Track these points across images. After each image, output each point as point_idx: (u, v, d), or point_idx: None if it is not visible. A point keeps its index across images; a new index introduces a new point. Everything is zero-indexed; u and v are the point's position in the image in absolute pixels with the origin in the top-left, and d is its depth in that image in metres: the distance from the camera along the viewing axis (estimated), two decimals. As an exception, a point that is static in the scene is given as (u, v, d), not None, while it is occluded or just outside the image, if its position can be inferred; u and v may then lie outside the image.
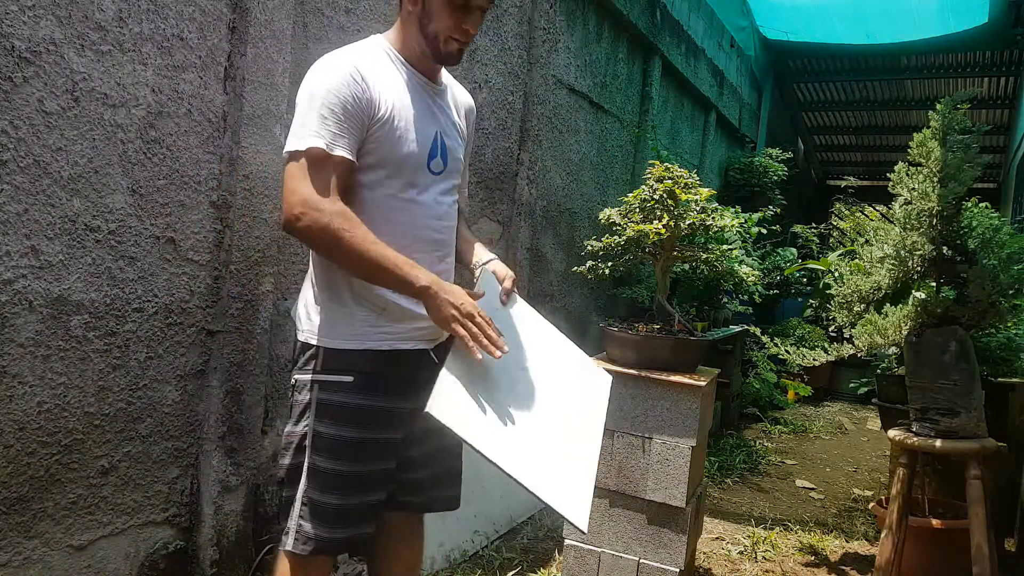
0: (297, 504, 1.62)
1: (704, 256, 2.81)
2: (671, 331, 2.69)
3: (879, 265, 2.87)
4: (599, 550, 2.64)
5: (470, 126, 1.89)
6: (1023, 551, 3.09)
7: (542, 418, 1.63)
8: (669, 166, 2.72)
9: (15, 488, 1.78)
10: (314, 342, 1.63)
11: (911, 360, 2.65)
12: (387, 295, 1.60)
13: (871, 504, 3.50)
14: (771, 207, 6.90)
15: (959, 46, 8.33)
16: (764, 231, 6.33)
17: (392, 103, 1.60)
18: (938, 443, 2.53)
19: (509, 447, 1.50)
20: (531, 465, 1.51)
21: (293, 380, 1.66)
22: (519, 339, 1.75)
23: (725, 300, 5.44)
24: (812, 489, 4.40)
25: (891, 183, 2.86)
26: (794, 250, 7.37)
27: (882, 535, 2.69)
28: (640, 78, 5.46)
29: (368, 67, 1.59)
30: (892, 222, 2.95)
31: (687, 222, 2.68)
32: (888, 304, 2.82)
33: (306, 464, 1.61)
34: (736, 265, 3.32)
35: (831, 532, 3.59)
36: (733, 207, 5.68)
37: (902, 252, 2.78)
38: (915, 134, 2.81)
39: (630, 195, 2.79)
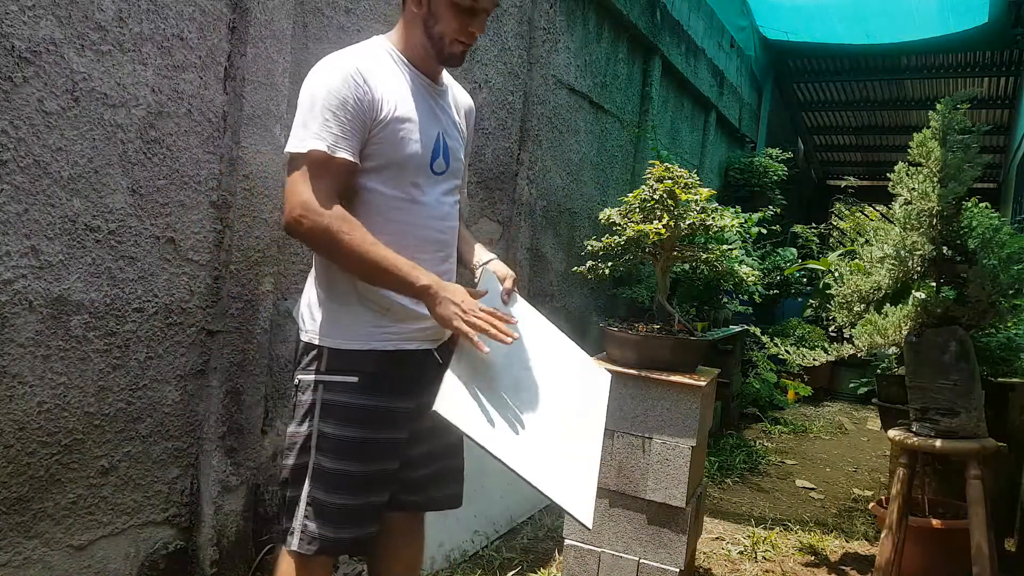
0: (302, 504, 1.62)
1: (704, 256, 2.81)
2: (671, 331, 2.69)
3: (879, 265, 2.87)
4: (599, 550, 2.65)
5: (470, 126, 1.89)
6: (1023, 551, 3.09)
7: (545, 417, 1.64)
8: (669, 166, 2.72)
9: (15, 488, 1.78)
10: (318, 342, 1.63)
11: (911, 360, 2.65)
12: (391, 295, 1.61)
13: (871, 504, 3.50)
14: (771, 207, 6.90)
15: (959, 46, 8.33)
16: (764, 231, 6.33)
17: (394, 104, 1.60)
18: (938, 443, 2.53)
19: (515, 445, 1.50)
20: (536, 463, 1.52)
21: (296, 380, 1.66)
22: (522, 338, 1.75)
23: (725, 300, 5.44)
24: (812, 489, 4.40)
25: (891, 183, 2.86)
26: (794, 250, 7.37)
27: (882, 535, 2.69)
28: (640, 78, 5.46)
29: (370, 68, 1.59)
30: (892, 222, 2.95)
31: (687, 222, 2.68)
32: (888, 304, 2.82)
33: (311, 464, 1.62)
34: (736, 265, 3.32)
35: (831, 532, 3.59)
36: (733, 207, 5.68)
37: (902, 252, 2.78)
38: (915, 134, 2.81)
39: (630, 195, 2.79)
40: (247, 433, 2.33)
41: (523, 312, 1.82)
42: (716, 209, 2.97)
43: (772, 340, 3.30)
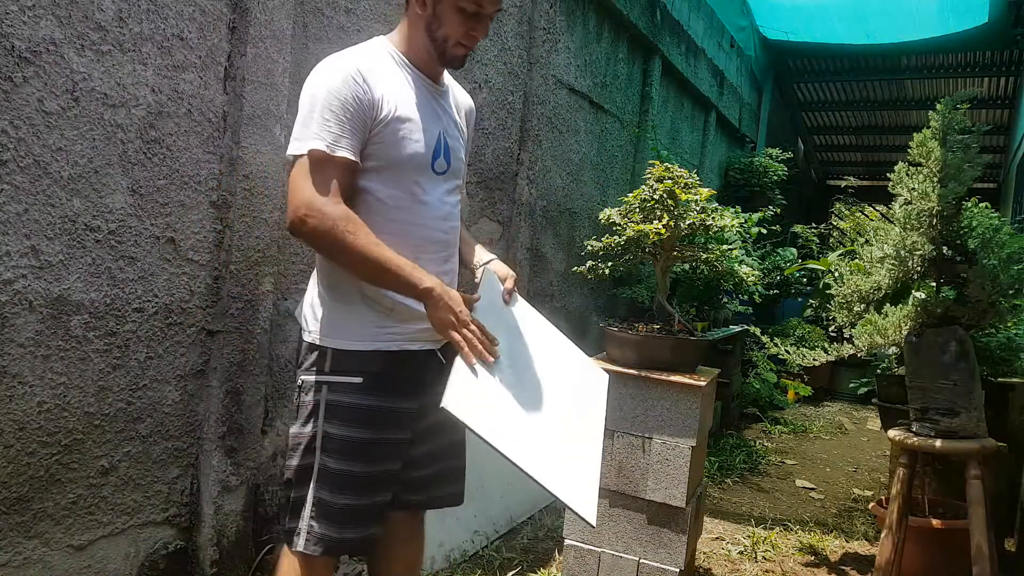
0: (308, 505, 1.62)
1: (704, 256, 2.81)
2: (671, 331, 2.69)
3: (879, 265, 2.87)
4: (599, 550, 2.64)
5: (470, 127, 1.89)
6: (1023, 551, 3.09)
7: (547, 416, 1.64)
8: (669, 166, 2.72)
9: (15, 488, 1.78)
10: (321, 343, 1.63)
11: (911, 360, 2.65)
12: (395, 296, 1.61)
13: (871, 504, 3.50)
14: (771, 207, 6.90)
15: (959, 46, 8.33)
16: (764, 231, 6.33)
17: (395, 104, 1.60)
18: (938, 443, 2.53)
19: (520, 442, 1.51)
20: (541, 461, 1.52)
21: (300, 381, 1.66)
22: (523, 338, 1.76)
23: (725, 300, 5.44)
24: (812, 489, 4.40)
25: (891, 183, 2.86)
26: (794, 250, 7.37)
27: (882, 535, 2.69)
28: (640, 78, 5.46)
29: (371, 68, 1.59)
30: (892, 222, 2.95)
31: (687, 222, 2.68)
32: (888, 304, 2.82)
33: (316, 465, 1.62)
34: (736, 265, 3.32)
35: (831, 532, 3.59)
36: (733, 207, 5.68)
37: (902, 252, 2.78)
38: (915, 134, 2.81)
39: (630, 195, 2.79)
40: (247, 433, 2.33)
41: (523, 312, 1.83)
42: (716, 209, 2.97)
43: (772, 340, 3.30)
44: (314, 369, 1.63)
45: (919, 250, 2.74)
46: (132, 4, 1.92)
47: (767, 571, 3.08)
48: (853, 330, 2.91)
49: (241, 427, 2.31)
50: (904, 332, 2.69)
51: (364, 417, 1.61)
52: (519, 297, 1.84)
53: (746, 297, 5.55)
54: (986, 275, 2.62)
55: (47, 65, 1.74)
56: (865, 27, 8.21)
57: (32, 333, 1.78)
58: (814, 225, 9.10)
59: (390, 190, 1.62)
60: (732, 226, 2.85)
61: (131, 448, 2.05)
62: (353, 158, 1.55)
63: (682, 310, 4.63)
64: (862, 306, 2.92)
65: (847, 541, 3.50)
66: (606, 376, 1.98)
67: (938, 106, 2.77)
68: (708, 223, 2.69)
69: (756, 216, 6.06)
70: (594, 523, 1.56)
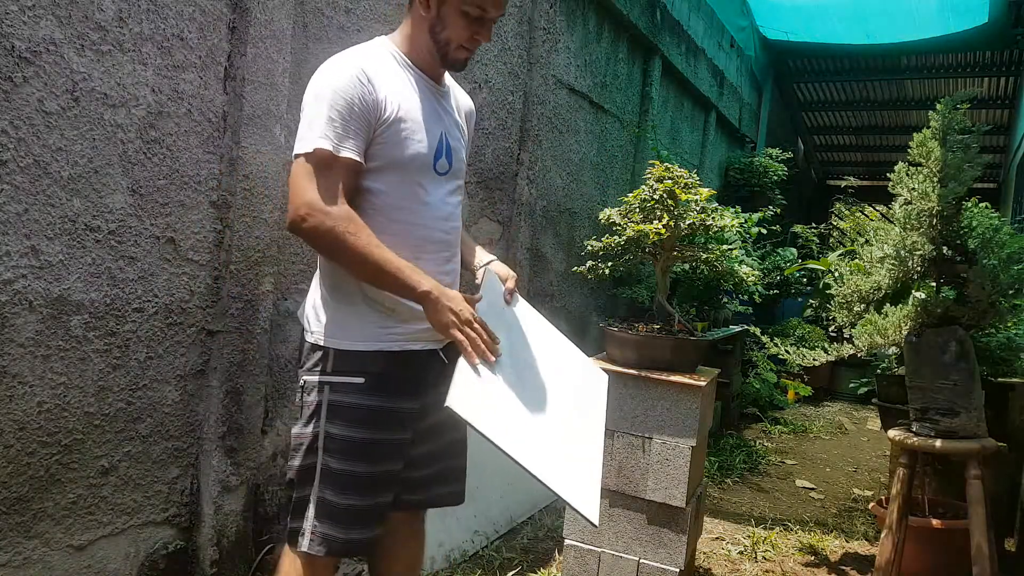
0: (311, 505, 1.62)
1: (704, 256, 2.81)
2: (671, 331, 2.69)
3: (879, 265, 2.87)
4: (599, 550, 2.64)
5: (470, 128, 1.90)
6: (1023, 551, 3.09)
7: (549, 416, 1.65)
8: (669, 166, 2.72)
9: (15, 488, 1.78)
10: (323, 343, 1.63)
11: (911, 360, 2.65)
12: (396, 296, 1.61)
13: (871, 504, 3.50)
14: (771, 207, 6.90)
15: (959, 46, 8.32)
16: (764, 231, 6.33)
17: (398, 104, 1.60)
18: (938, 443, 2.53)
19: (524, 442, 1.51)
20: (544, 460, 1.52)
21: (302, 381, 1.66)
22: (525, 338, 1.77)
23: (725, 300, 5.44)
24: (812, 489, 4.40)
25: (891, 183, 2.86)
26: (794, 250, 7.37)
27: (882, 535, 2.69)
28: (640, 78, 5.46)
29: (374, 69, 1.59)
30: (892, 222, 2.95)
31: (687, 222, 2.68)
32: (888, 304, 2.82)
33: (319, 465, 1.62)
34: (736, 265, 3.33)
35: (831, 532, 3.59)
36: (733, 207, 5.67)
37: (902, 252, 2.78)
38: (915, 134, 2.81)
39: (630, 195, 2.79)
40: (247, 433, 2.33)
41: (524, 313, 1.83)
42: (716, 209, 2.97)
43: (772, 340, 3.30)
44: (316, 369, 1.63)
45: (919, 250, 2.74)
46: (132, 4, 1.92)
47: (767, 571, 3.08)
48: (853, 330, 2.91)
49: (241, 427, 2.31)
50: (904, 332, 2.69)
51: (366, 417, 1.61)
52: (519, 298, 1.84)
53: (746, 297, 5.55)
54: (986, 275, 2.62)
55: (47, 65, 1.74)
56: (865, 27, 8.20)
57: (32, 333, 1.78)
58: (814, 225, 9.10)
59: (392, 190, 1.62)
60: (732, 226, 2.85)
61: (131, 448, 2.05)
62: (358, 159, 1.55)
63: (682, 310, 4.63)
64: (862, 306, 2.92)
65: (847, 541, 3.50)
66: (606, 377, 1.98)
67: (938, 106, 2.77)
68: (708, 223, 2.69)
69: (756, 216, 6.06)
70: (597, 523, 1.56)
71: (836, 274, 3.26)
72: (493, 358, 1.57)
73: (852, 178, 11.43)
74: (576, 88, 4.47)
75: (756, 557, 3.19)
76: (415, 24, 1.67)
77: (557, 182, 4.37)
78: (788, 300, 7.51)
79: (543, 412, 1.64)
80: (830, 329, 6.86)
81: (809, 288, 7.17)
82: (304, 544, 1.61)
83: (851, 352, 2.91)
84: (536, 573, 2.82)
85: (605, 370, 2.61)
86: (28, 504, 1.82)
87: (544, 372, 1.73)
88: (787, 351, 3.12)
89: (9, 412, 1.75)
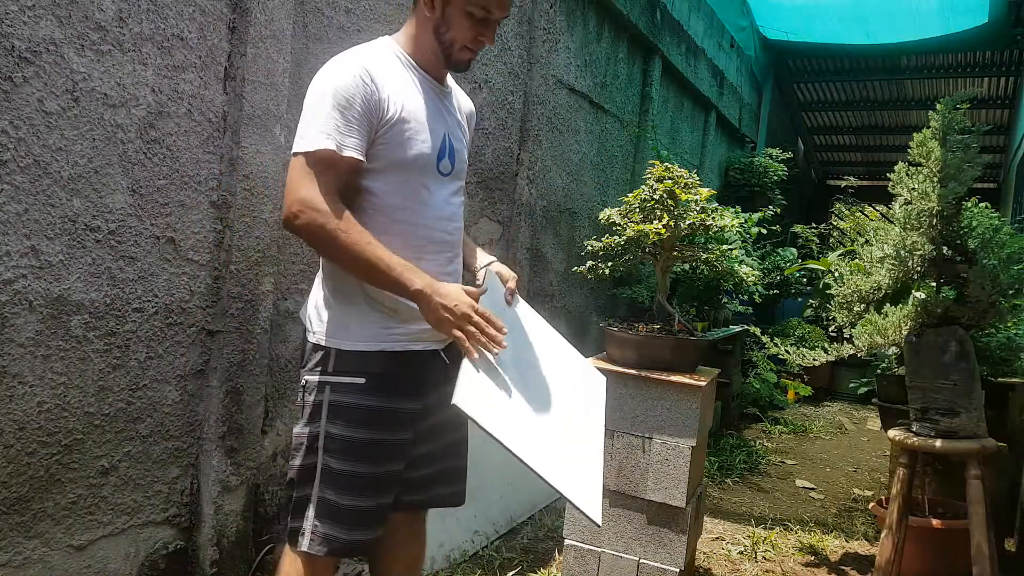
0: (311, 505, 1.62)
1: (704, 256, 2.81)
2: (671, 331, 2.69)
3: (879, 265, 2.87)
4: (599, 550, 2.65)
5: (471, 130, 1.90)
6: (1023, 551, 3.09)
7: (551, 416, 1.65)
8: (669, 166, 2.72)
9: (15, 488, 1.78)
10: (325, 343, 1.63)
11: (911, 360, 2.65)
12: (397, 296, 1.61)
13: (871, 504, 3.50)
14: (771, 207, 6.90)
15: (959, 46, 8.32)
16: (764, 231, 6.33)
17: (401, 104, 1.60)
18: (938, 443, 2.53)
19: (529, 441, 1.51)
20: (549, 460, 1.52)
21: (303, 381, 1.66)
22: (527, 338, 1.77)
23: (725, 300, 5.44)
24: (812, 489, 4.40)
25: (891, 183, 2.86)
26: (794, 250, 7.37)
27: (882, 535, 2.69)
28: (640, 78, 5.46)
29: (377, 68, 1.59)
30: (892, 222, 2.95)
31: (687, 222, 2.68)
32: (888, 304, 2.82)
33: (319, 465, 1.62)
34: (736, 265, 3.33)
35: (831, 532, 3.59)
36: (733, 207, 5.68)
37: (902, 252, 2.78)
38: (915, 134, 2.81)
39: (630, 195, 2.79)
40: (247, 433, 2.33)
41: (525, 314, 1.84)
42: (716, 209, 2.97)
43: (772, 340, 3.30)
44: (318, 369, 1.64)
45: (919, 250, 2.74)
46: (132, 4, 1.92)
47: (767, 571, 3.08)
48: (853, 330, 2.91)
49: (241, 427, 2.31)
50: (904, 332, 2.69)
51: (367, 418, 1.61)
52: (520, 299, 1.85)
53: (746, 297, 5.55)
54: (986, 275, 2.62)
55: (47, 65, 1.74)
56: (865, 27, 8.20)
57: (32, 333, 1.78)
58: (814, 225, 9.10)
59: (395, 191, 1.62)
60: (732, 226, 2.85)
61: (131, 448, 2.05)
62: (359, 157, 1.55)
63: (682, 310, 4.63)
64: (862, 306, 2.92)
65: (847, 541, 3.50)
66: (604, 379, 1.99)
67: (938, 106, 2.77)
68: (708, 223, 2.69)
69: (756, 216, 6.06)
70: (600, 523, 1.57)
71: (836, 274, 3.26)
72: (497, 349, 1.55)
73: (852, 178, 11.43)
74: (576, 88, 4.47)
75: (756, 557, 3.19)
76: (419, 24, 1.67)
77: (557, 182, 4.37)
78: (788, 300, 7.51)
79: (545, 412, 1.64)
80: (830, 329, 6.86)
81: (809, 288, 7.17)
82: (304, 544, 1.61)
83: (851, 352, 2.91)
84: (536, 573, 2.82)
85: (605, 370, 2.61)
86: (28, 504, 1.82)
87: (546, 372, 1.74)
88: (787, 351, 3.12)
89: (9, 412, 1.75)
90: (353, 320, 1.63)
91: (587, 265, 2.88)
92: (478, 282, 1.82)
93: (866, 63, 9.48)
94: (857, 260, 3.18)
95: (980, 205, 3.15)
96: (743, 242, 5.69)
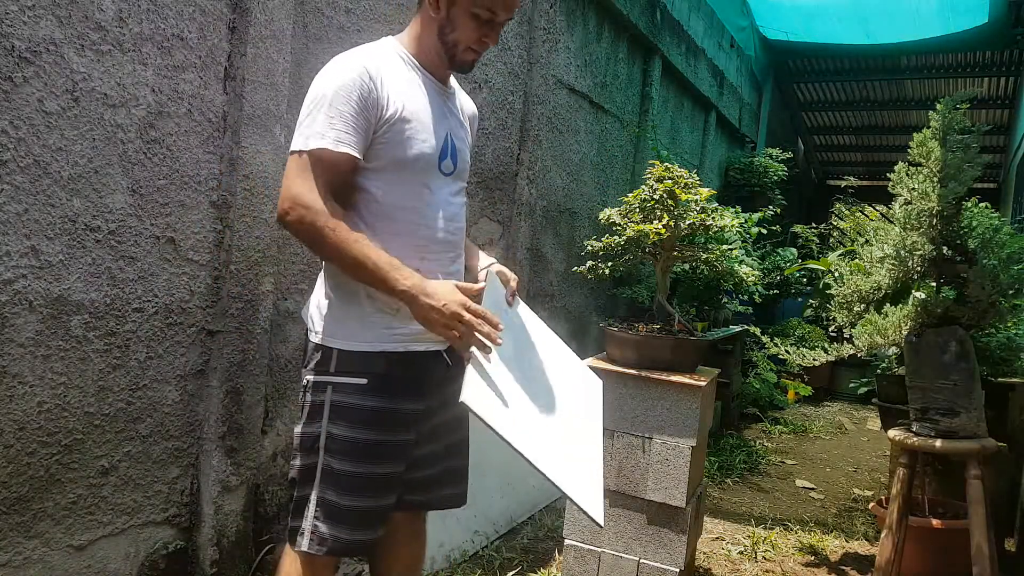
0: (312, 505, 1.62)
1: (704, 256, 2.81)
2: (671, 331, 2.69)
3: (879, 265, 2.87)
4: (599, 550, 2.64)
5: (473, 132, 1.91)
6: (1023, 551, 3.09)
7: (554, 416, 1.65)
8: (669, 166, 2.72)
9: (15, 488, 1.78)
10: (327, 344, 1.63)
11: (911, 360, 2.65)
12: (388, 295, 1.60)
13: (871, 504, 3.50)
14: (771, 207, 6.90)
15: (959, 46, 8.32)
16: (764, 231, 6.33)
17: (403, 104, 1.60)
18: (938, 443, 2.53)
19: (535, 441, 1.51)
20: (554, 460, 1.52)
21: (305, 381, 1.66)
22: (529, 338, 1.78)
23: (725, 300, 5.44)
24: (812, 489, 4.40)
25: (891, 183, 2.87)
26: (794, 250, 7.37)
27: (882, 535, 2.69)
28: (640, 78, 5.46)
29: (379, 68, 1.59)
30: (892, 222, 2.95)
31: (687, 222, 2.68)
32: (888, 304, 2.82)
33: (320, 465, 1.62)
34: (736, 265, 3.33)
35: (831, 532, 3.59)
36: (733, 207, 5.68)
37: (902, 252, 2.78)
38: (915, 134, 2.82)
39: (630, 195, 2.79)
40: (247, 433, 2.33)
41: (525, 315, 1.85)
42: (716, 209, 2.97)
43: (772, 340, 3.30)
44: (319, 369, 1.63)
45: (919, 250, 2.74)
46: (132, 4, 1.92)
47: (767, 571, 3.08)
48: (853, 330, 2.91)
49: (241, 427, 2.31)
50: (904, 332, 2.69)
51: (368, 418, 1.61)
52: (520, 301, 1.85)
53: (746, 297, 5.55)
54: (986, 275, 2.62)
55: (47, 65, 1.74)
56: (865, 27, 8.20)
57: (32, 333, 1.78)
58: (814, 225, 9.10)
59: (396, 190, 1.62)
60: (732, 226, 2.85)
61: (131, 448, 2.05)
62: (356, 155, 1.55)
63: (682, 310, 4.63)
64: (862, 306, 2.92)
65: (847, 541, 3.50)
66: (600, 382, 1.99)
67: (938, 106, 2.77)
68: (708, 223, 2.69)
69: (756, 216, 6.06)
70: (603, 524, 1.57)
71: (836, 274, 3.26)
72: (492, 346, 1.54)
73: (852, 178, 11.43)
74: (576, 88, 4.47)
75: (756, 557, 3.19)
76: (424, 25, 1.67)
77: (557, 182, 4.37)
78: (788, 300, 7.52)
79: (547, 412, 1.65)
80: (830, 329, 6.86)
81: (809, 288, 7.17)
82: (304, 544, 1.61)
83: (851, 352, 2.91)
84: (536, 573, 2.82)
85: (605, 370, 2.62)
86: (28, 504, 1.82)
87: (547, 373, 1.75)
88: (787, 351, 3.12)
89: (9, 412, 1.75)
90: (355, 320, 1.63)
91: (587, 265, 2.88)
92: (480, 284, 1.82)
93: (866, 63, 9.48)
94: (857, 260, 3.18)
95: (980, 205, 3.15)
96: (743, 242, 5.69)
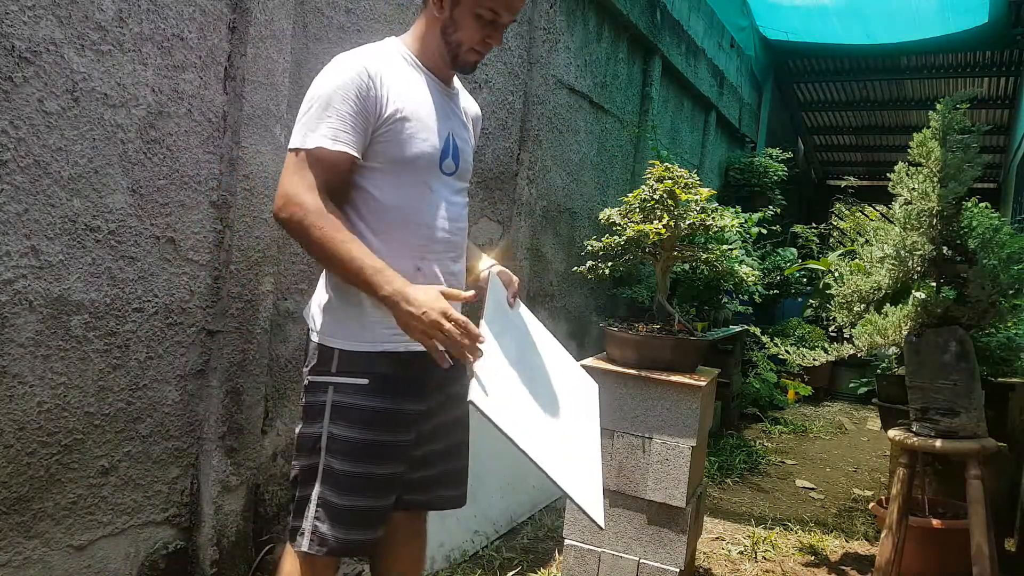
0: (312, 505, 1.62)
1: (704, 256, 2.81)
2: (671, 331, 2.69)
3: (879, 265, 2.87)
4: (599, 550, 2.64)
5: (476, 134, 1.91)
6: (1023, 551, 3.09)
7: (555, 417, 1.66)
8: (669, 166, 2.72)
9: (15, 488, 1.78)
10: (329, 344, 1.63)
11: (911, 360, 2.65)
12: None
13: (871, 504, 3.50)
14: (771, 207, 6.90)
15: (959, 46, 8.32)
16: (764, 231, 6.33)
17: (403, 103, 1.60)
18: (938, 443, 2.53)
19: (540, 442, 1.51)
20: (558, 461, 1.53)
21: (306, 381, 1.66)
22: (530, 339, 1.78)
23: (725, 300, 5.44)
24: (812, 489, 4.40)
25: (891, 183, 2.87)
26: (794, 250, 7.37)
27: (882, 535, 2.69)
28: (640, 78, 5.46)
29: (380, 67, 1.59)
30: (892, 222, 2.95)
31: (687, 222, 2.68)
32: (888, 304, 2.82)
33: (321, 466, 1.62)
34: (736, 265, 3.33)
35: (831, 532, 3.59)
36: (733, 207, 5.68)
37: (902, 252, 2.78)
38: (915, 134, 2.82)
39: (630, 195, 2.79)
40: (247, 433, 2.33)
41: (525, 316, 1.85)
42: (716, 209, 2.97)
43: (772, 340, 3.30)
44: (321, 370, 1.63)
45: (919, 250, 2.74)
46: (132, 4, 1.92)
47: (767, 571, 3.08)
48: (853, 330, 2.91)
49: (241, 427, 2.31)
50: (904, 332, 2.69)
51: (369, 419, 1.61)
52: (520, 303, 1.86)
53: (746, 297, 5.55)
54: (986, 275, 2.62)
55: (47, 65, 1.74)
56: (865, 27, 8.20)
57: (32, 333, 1.78)
58: (814, 225, 9.10)
59: (397, 189, 1.62)
60: (732, 226, 2.85)
61: (131, 448, 2.05)
62: (352, 154, 1.55)
63: (682, 310, 4.63)
64: (862, 306, 2.92)
65: (847, 541, 3.50)
66: (596, 386, 2.00)
67: (938, 106, 2.77)
68: (708, 223, 2.69)
69: (756, 216, 6.06)
70: (603, 526, 1.57)
71: (836, 274, 3.26)
72: (471, 357, 1.50)
73: (852, 178, 11.43)
74: (576, 88, 4.47)
75: (756, 557, 3.19)
76: (428, 24, 1.67)
77: (557, 182, 4.37)
78: (788, 300, 7.52)
79: (549, 413, 1.65)
80: (830, 329, 6.87)
81: (809, 288, 7.17)
82: (304, 544, 1.62)
83: (851, 352, 2.91)
84: (536, 573, 2.82)
85: (605, 370, 2.62)
86: (28, 504, 1.82)
87: (548, 375, 1.75)
88: (787, 351, 3.13)
89: (9, 412, 1.75)
90: (356, 320, 1.63)
91: (587, 265, 2.88)
92: (482, 285, 1.82)
93: (866, 63, 9.48)
94: (857, 260, 3.18)
95: (980, 205, 3.15)
96: (743, 242, 5.69)
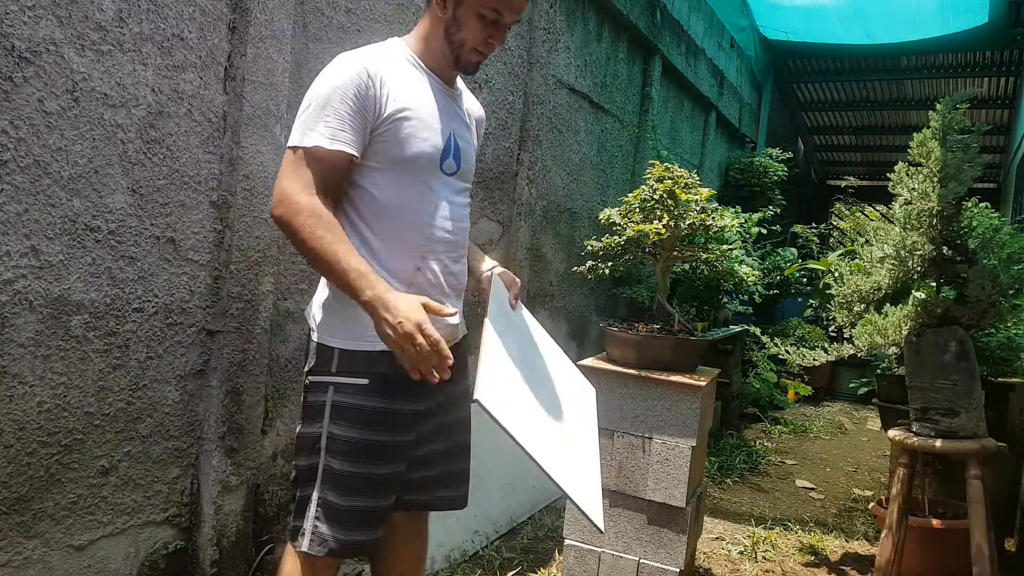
0: (312, 505, 1.62)
1: (704, 256, 2.81)
2: (671, 331, 2.69)
3: (879, 265, 2.87)
4: (599, 550, 2.64)
5: (479, 136, 1.91)
6: (1023, 551, 3.09)
7: (556, 418, 1.66)
8: (669, 166, 2.72)
9: (15, 488, 1.78)
10: (329, 343, 1.63)
11: (911, 360, 2.65)
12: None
13: (871, 504, 3.50)
14: (771, 207, 6.90)
15: (959, 46, 8.32)
16: (764, 231, 6.33)
17: (403, 102, 1.60)
18: (938, 443, 2.53)
19: (541, 442, 1.51)
20: (560, 463, 1.53)
21: (306, 381, 1.66)
22: (532, 341, 1.79)
23: (725, 300, 5.44)
24: (812, 489, 4.40)
25: (891, 183, 2.87)
26: (794, 250, 7.37)
27: (882, 535, 2.69)
28: (640, 78, 5.46)
29: (380, 67, 1.59)
30: (892, 222, 2.95)
31: (687, 222, 2.68)
32: (888, 304, 2.82)
33: (321, 466, 1.61)
34: (736, 265, 3.32)
35: (831, 532, 3.59)
36: (733, 207, 5.68)
37: (902, 252, 2.78)
38: (915, 134, 2.82)
39: (630, 195, 2.79)
40: (247, 433, 2.33)
41: (526, 318, 1.86)
42: (716, 209, 2.97)
43: (772, 340, 3.30)
44: (321, 369, 1.63)
45: (919, 250, 2.74)
46: (132, 4, 1.92)
47: (767, 571, 3.08)
48: (853, 330, 2.91)
49: (241, 427, 2.31)
50: (904, 332, 2.69)
51: (370, 419, 1.61)
52: (521, 304, 1.87)
53: (746, 297, 5.55)
54: (986, 275, 2.62)
55: (47, 65, 1.74)
56: (865, 27, 8.20)
57: (32, 333, 1.78)
58: (814, 225, 9.10)
59: (397, 189, 1.62)
60: (732, 226, 2.85)
61: (131, 448, 2.05)
62: (350, 152, 1.55)
63: (682, 310, 4.63)
64: (862, 306, 2.92)
65: (847, 541, 3.50)
66: (594, 390, 2.01)
67: (938, 106, 2.77)
68: (708, 223, 2.69)
69: (756, 216, 6.06)
70: (603, 529, 1.57)
71: (836, 274, 3.26)
72: (434, 379, 1.49)
73: (852, 178, 11.43)
74: (576, 88, 4.47)
75: (756, 557, 3.19)
76: (431, 24, 1.67)
77: (557, 182, 4.37)
78: (788, 300, 7.52)
79: (550, 414, 1.65)
80: (830, 329, 6.85)
81: (809, 288, 7.17)
82: (304, 544, 1.61)
83: (851, 352, 2.91)
84: (536, 573, 2.82)
85: (605, 370, 2.62)
86: (28, 504, 1.82)
87: (550, 376, 1.76)
88: (787, 351, 3.13)
89: (9, 412, 1.75)
90: (356, 320, 1.62)
91: (587, 265, 2.88)
92: (483, 286, 1.82)
93: (866, 63, 9.48)
94: (857, 260, 3.18)
95: (980, 205, 3.15)
96: (743, 242, 5.69)
